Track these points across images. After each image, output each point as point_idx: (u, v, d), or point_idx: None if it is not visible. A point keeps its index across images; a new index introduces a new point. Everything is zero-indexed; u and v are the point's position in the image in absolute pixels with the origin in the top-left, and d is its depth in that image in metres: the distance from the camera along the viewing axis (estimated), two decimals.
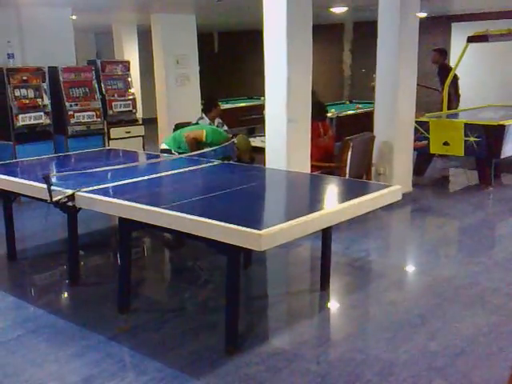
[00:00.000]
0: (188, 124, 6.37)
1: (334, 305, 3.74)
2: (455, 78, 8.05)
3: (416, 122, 6.44)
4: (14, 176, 4.08)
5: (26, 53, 6.80)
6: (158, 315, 3.45)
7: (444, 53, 8.56)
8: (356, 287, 3.93)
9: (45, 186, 3.41)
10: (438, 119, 7.00)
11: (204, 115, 6.24)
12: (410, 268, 4.44)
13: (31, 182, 3.75)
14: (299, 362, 2.90)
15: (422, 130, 6.76)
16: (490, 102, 8.75)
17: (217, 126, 6.23)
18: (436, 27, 10.87)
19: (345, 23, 12.25)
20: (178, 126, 6.67)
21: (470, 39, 7.26)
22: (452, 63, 8.90)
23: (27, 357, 2.98)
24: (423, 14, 9.09)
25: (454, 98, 8.20)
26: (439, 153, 6.99)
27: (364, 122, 6.80)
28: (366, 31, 11.03)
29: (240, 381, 2.73)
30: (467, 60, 7.96)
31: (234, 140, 5.07)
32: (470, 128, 6.42)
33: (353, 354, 2.97)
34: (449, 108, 7.85)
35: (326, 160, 5.52)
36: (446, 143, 6.65)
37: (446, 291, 3.77)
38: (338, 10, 9.05)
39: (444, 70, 8.20)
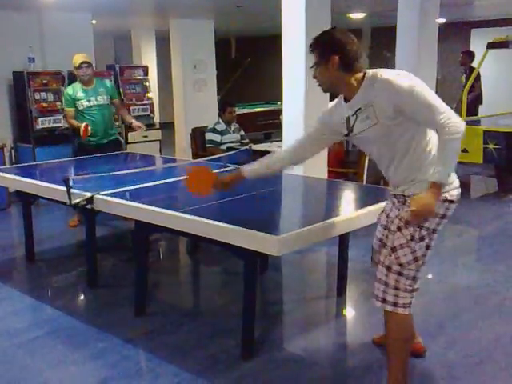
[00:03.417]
0: (205, 128, 6.40)
1: (350, 311, 3.71)
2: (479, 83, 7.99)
3: None
4: (34, 179, 4.13)
5: (46, 57, 6.90)
6: (174, 319, 3.46)
7: (473, 55, 8.48)
8: (373, 294, 3.88)
9: (64, 188, 3.45)
10: None
11: (220, 119, 6.26)
12: (428, 276, 4.39)
13: (51, 185, 3.79)
14: (315, 369, 2.88)
15: None
16: (510, 109, 8.65)
17: (233, 131, 6.26)
18: (456, 33, 10.80)
19: (363, 29, 12.22)
20: (194, 131, 6.71)
21: (490, 45, 7.19)
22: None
23: (44, 358, 3.01)
24: (443, 20, 9.03)
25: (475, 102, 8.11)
26: (457, 160, 6.91)
27: None
28: (384, 37, 11.00)
29: None
30: (487, 66, 7.89)
31: (251, 145, 5.09)
32: (489, 135, 6.35)
33: (369, 361, 2.95)
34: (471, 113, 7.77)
35: (337, 165, 5.50)
36: (464, 150, 6.58)
37: (464, 300, 3.73)
38: (357, 15, 9.03)
39: (471, 72, 8.11)
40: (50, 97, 6.56)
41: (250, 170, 2.88)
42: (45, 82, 6.52)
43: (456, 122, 2.25)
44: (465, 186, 7.42)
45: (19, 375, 2.85)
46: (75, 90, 5.18)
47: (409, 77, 2.31)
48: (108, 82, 5.58)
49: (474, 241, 5.37)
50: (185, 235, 3.24)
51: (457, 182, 2.46)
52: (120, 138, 5.61)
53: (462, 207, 6.50)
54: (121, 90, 7.33)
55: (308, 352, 3.10)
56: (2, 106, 6.61)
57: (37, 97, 6.43)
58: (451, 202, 2.40)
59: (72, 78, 6.75)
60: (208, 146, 6.11)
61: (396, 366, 2.51)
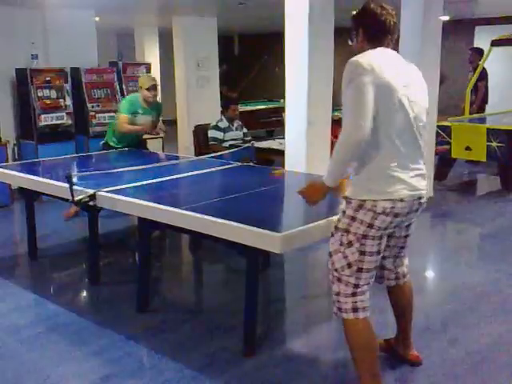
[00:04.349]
0: (208, 125, 6.40)
1: None
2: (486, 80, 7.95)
3: (437, 126, 6.37)
4: (37, 175, 4.13)
5: (49, 54, 6.90)
6: (176, 316, 3.46)
7: (482, 52, 8.40)
8: (375, 291, 3.87)
9: (67, 185, 3.45)
10: (460, 124, 6.91)
11: (222, 116, 6.26)
12: (430, 274, 4.39)
13: (53, 182, 3.80)
14: (317, 367, 2.89)
15: (443, 135, 6.69)
16: None
17: (236, 129, 6.25)
18: (459, 31, 10.77)
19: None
20: (197, 128, 6.71)
21: (494, 43, 7.17)
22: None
23: (47, 354, 3.02)
24: (446, 18, 8.99)
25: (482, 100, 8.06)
26: (461, 158, 6.91)
27: None
28: None
29: (257, 383, 2.72)
30: (491, 64, 7.87)
31: (254, 142, 5.09)
32: (492, 133, 6.33)
33: None
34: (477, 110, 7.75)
35: None
36: (468, 148, 6.57)
37: (467, 298, 3.72)
38: None
39: (480, 70, 8.07)
40: (53, 94, 6.57)
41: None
42: (48, 78, 6.53)
43: (352, 131, 2.17)
44: (468, 183, 7.41)
45: (21, 371, 2.86)
46: (136, 105, 5.19)
47: (367, 68, 2.20)
48: (161, 105, 5.62)
49: (476, 239, 5.36)
50: (187, 232, 3.24)
51: (395, 195, 2.29)
52: (144, 141, 5.67)
53: (464, 205, 6.54)
54: (124, 87, 7.33)
55: (310, 350, 3.09)
56: (5, 103, 6.62)
57: (40, 94, 6.44)
58: (375, 212, 2.28)
59: (75, 75, 6.79)
60: (210, 143, 6.11)
61: (360, 372, 2.46)
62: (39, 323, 3.38)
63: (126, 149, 5.34)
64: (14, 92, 6.69)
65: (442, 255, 4.78)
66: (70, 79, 6.73)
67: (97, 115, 6.82)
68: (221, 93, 9.54)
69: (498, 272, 4.16)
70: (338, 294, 2.42)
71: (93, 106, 6.82)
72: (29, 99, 6.43)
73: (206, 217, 2.83)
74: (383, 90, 2.22)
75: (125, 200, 3.32)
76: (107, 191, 3.44)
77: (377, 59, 2.27)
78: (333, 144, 5.47)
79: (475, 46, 10.23)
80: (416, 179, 2.37)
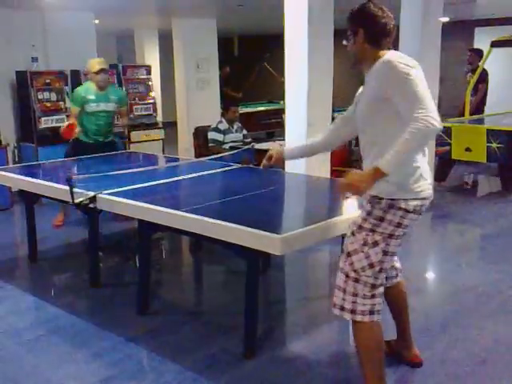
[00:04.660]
0: (208, 127, 6.40)
1: None
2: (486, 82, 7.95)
3: None
4: (37, 178, 4.14)
5: (49, 56, 6.90)
6: (176, 318, 3.46)
7: (481, 53, 8.39)
8: None
9: (67, 187, 3.45)
10: (460, 124, 6.92)
11: (222, 118, 6.26)
12: (431, 275, 4.39)
13: (54, 184, 3.80)
14: (318, 368, 2.88)
15: (443, 136, 6.69)
16: None
17: (236, 131, 6.25)
18: (459, 32, 10.77)
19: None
20: (197, 130, 6.71)
21: (494, 44, 7.17)
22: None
23: (47, 357, 3.01)
24: (446, 19, 9.00)
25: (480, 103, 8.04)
26: (461, 159, 6.90)
27: None
28: None
29: None
30: (490, 65, 7.87)
31: (254, 144, 5.07)
32: (492, 134, 6.33)
33: None
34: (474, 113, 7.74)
35: (340, 164, 5.50)
36: (468, 149, 6.57)
37: (467, 299, 3.72)
38: None
39: (480, 72, 8.07)
40: (53, 96, 6.57)
41: (289, 150, 3.07)
42: (48, 81, 6.53)
43: (430, 119, 2.10)
44: (467, 184, 7.40)
45: (22, 374, 2.86)
46: (88, 91, 5.14)
47: (411, 64, 2.24)
48: (121, 92, 5.57)
49: (477, 240, 5.36)
50: (187, 234, 3.24)
51: (423, 194, 2.32)
52: (116, 140, 5.57)
53: (464, 206, 6.53)
54: (123, 90, 7.33)
55: (310, 351, 3.09)
56: (5, 106, 6.62)
57: (40, 96, 6.44)
58: (407, 211, 2.29)
59: (74, 78, 6.79)
60: (210, 145, 6.11)
61: (367, 376, 2.44)
62: (39, 326, 3.38)
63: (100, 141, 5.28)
64: (14, 95, 6.70)
65: (443, 256, 4.77)
66: (69, 81, 6.72)
67: None
68: (224, 93, 9.54)
69: (498, 273, 4.16)
70: (354, 295, 2.37)
71: None
72: (29, 102, 6.44)
73: (206, 219, 2.83)
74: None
75: (125, 202, 3.31)
76: (107, 193, 3.44)
77: (407, 58, 2.30)
78: None
79: (475, 47, 10.24)
80: (430, 178, 2.42)
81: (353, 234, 2.40)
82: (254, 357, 2.94)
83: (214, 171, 4.28)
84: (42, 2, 6.22)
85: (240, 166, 4.51)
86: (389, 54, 2.32)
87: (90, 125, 5.19)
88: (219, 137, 6.12)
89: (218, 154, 5.20)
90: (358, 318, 2.38)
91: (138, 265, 3.90)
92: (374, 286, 2.37)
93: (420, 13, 5.59)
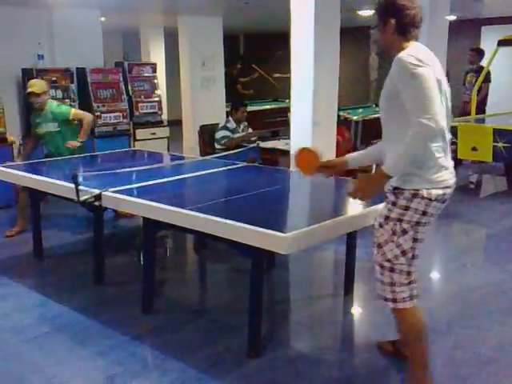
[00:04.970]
0: (213, 126, 6.40)
1: (357, 310, 3.70)
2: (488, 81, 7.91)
3: None
4: (42, 175, 4.14)
5: (55, 54, 6.91)
6: (181, 316, 3.46)
7: (482, 53, 8.35)
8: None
9: (72, 185, 3.46)
10: (466, 124, 6.89)
11: (230, 118, 6.26)
12: (436, 275, 4.37)
13: (59, 182, 3.80)
14: (322, 367, 2.88)
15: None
16: None
17: (242, 130, 6.25)
18: (466, 30, 10.72)
19: (371, 26, 12.16)
20: (202, 128, 6.71)
21: (501, 43, 7.13)
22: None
23: (52, 354, 3.02)
24: (453, 17, 8.96)
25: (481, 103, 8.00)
26: (467, 158, 6.88)
27: None
28: None
29: None
30: (497, 64, 7.82)
31: (259, 142, 5.08)
32: (498, 133, 6.29)
33: (376, 360, 2.94)
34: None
35: None
36: (474, 148, 6.54)
37: (473, 299, 3.70)
38: (366, 12, 8.99)
39: (480, 71, 8.04)
40: (59, 94, 6.58)
41: (352, 156, 2.86)
42: (54, 78, 6.54)
43: (428, 122, 2.16)
44: (473, 184, 7.37)
45: (26, 371, 2.86)
46: (34, 117, 5.23)
47: (424, 62, 2.23)
48: (55, 107, 5.17)
49: (482, 240, 5.34)
50: (192, 233, 3.24)
51: (445, 183, 2.36)
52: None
53: (470, 206, 6.50)
54: (129, 87, 7.34)
55: (314, 351, 3.09)
56: (11, 103, 6.63)
57: None
58: (430, 199, 2.33)
59: (80, 76, 6.81)
60: (223, 141, 6.06)
61: (413, 359, 2.51)
62: (44, 323, 3.39)
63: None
64: (20, 92, 6.71)
65: (448, 256, 4.76)
66: (75, 79, 6.74)
67: (102, 115, 6.83)
68: (235, 91, 9.52)
69: (503, 273, 4.14)
70: (392, 284, 2.42)
71: (98, 106, 6.82)
72: None
73: (211, 217, 2.82)
74: (435, 82, 2.25)
75: (130, 200, 3.32)
76: (113, 191, 3.44)
77: (423, 53, 2.31)
78: (338, 144, 5.48)
79: (481, 46, 10.19)
80: (452, 167, 2.43)
81: (380, 225, 2.43)
82: (258, 356, 2.94)
83: (219, 169, 4.28)
84: (49, 0, 6.23)
85: (245, 164, 4.51)
86: (408, 49, 2.33)
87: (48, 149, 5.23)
88: (229, 134, 6.11)
89: (235, 146, 5.22)
90: (400, 305, 2.44)
91: (142, 263, 3.91)
92: (409, 273, 2.42)
93: (427, 11, 5.56)
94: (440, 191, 2.35)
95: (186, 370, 2.83)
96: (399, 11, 2.38)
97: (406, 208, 2.35)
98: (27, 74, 6.53)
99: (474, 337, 3.17)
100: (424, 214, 2.35)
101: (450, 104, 2.42)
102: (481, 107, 7.98)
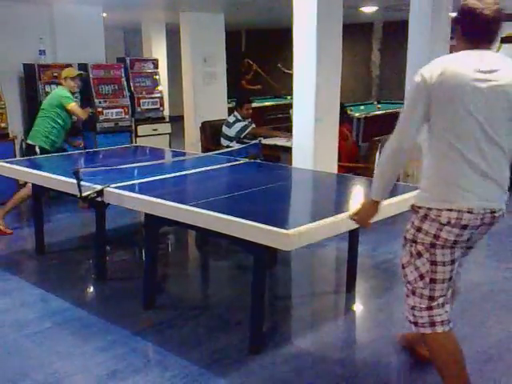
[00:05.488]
0: (216, 122, 6.39)
1: (359, 307, 3.70)
2: None
3: None
4: (44, 171, 4.14)
5: (57, 49, 6.91)
6: (182, 312, 3.46)
7: None
8: (382, 290, 3.88)
9: (74, 181, 3.45)
10: None
11: (236, 113, 6.24)
12: None
13: (61, 177, 3.80)
14: (324, 364, 2.88)
15: None
16: None
17: (245, 125, 6.24)
18: None
19: (374, 22, 12.14)
20: (204, 124, 6.70)
21: (504, 40, 7.10)
22: None
23: (54, 349, 3.03)
24: (455, 14, 8.92)
25: None
26: None
27: (392, 123, 6.71)
28: (395, 31, 10.92)
29: (264, 381, 2.72)
30: None
31: (261, 139, 5.06)
32: None
33: (378, 357, 2.94)
34: None
35: (347, 160, 5.48)
36: None
37: (474, 297, 3.70)
38: (368, 9, 8.97)
39: None
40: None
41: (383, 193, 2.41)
42: (55, 74, 6.49)
43: (391, 141, 2.17)
44: None
45: (29, 366, 2.87)
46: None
47: (425, 72, 2.12)
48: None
49: (485, 237, 5.31)
50: (195, 229, 3.23)
51: (457, 205, 2.13)
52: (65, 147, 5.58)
53: None
54: (131, 83, 7.33)
55: (316, 347, 3.08)
56: (12, 99, 6.62)
57: (47, 89, 6.43)
58: (440, 223, 2.16)
59: (82, 71, 6.78)
60: (247, 131, 6.04)
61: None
62: (46, 318, 3.39)
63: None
64: (22, 87, 6.71)
65: None
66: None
67: (104, 111, 6.82)
68: (241, 87, 9.49)
69: (506, 270, 4.13)
70: (413, 307, 2.33)
71: (100, 102, 6.81)
72: (36, 95, 6.44)
73: (213, 213, 2.82)
74: (441, 96, 2.09)
75: (132, 196, 3.32)
76: (115, 187, 3.44)
77: (441, 64, 2.12)
78: (343, 140, 5.47)
79: None
80: (488, 189, 2.19)
81: (403, 246, 2.36)
82: (260, 352, 2.94)
83: (221, 166, 4.28)
84: None
85: (247, 160, 4.50)
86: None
87: (65, 125, 5.23)
88: (246, 123, 6.10)
89: (261, 133, 5.42)
90: (421, 330, 2.33)
91: (144, 259, 3.91)
92: (431, 298, 2.28)
93: (430, 8, 5.55)
94: (453, 214, 2.13)
95: (188, 365, 2.83)
96: (464, 15, 2.16)
97: (419, 229, 2.24)
98: (28, 70, 6.53)
99: (476, 334, 3.17)
100: (436, 238, 2.19)
101: (499, 117, 2.11)
102: None
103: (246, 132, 6.01)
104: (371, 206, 2.35)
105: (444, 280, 2.27)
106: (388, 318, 3.49)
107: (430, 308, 2.29)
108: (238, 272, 4.29)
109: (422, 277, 2.28)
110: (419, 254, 2.26)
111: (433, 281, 2.26)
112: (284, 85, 9.72)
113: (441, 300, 2.30)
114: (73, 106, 5.16)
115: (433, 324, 2.29)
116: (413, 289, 2.32)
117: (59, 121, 5.16)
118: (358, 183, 3.91)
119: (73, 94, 5.35)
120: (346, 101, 6.20)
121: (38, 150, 5.13)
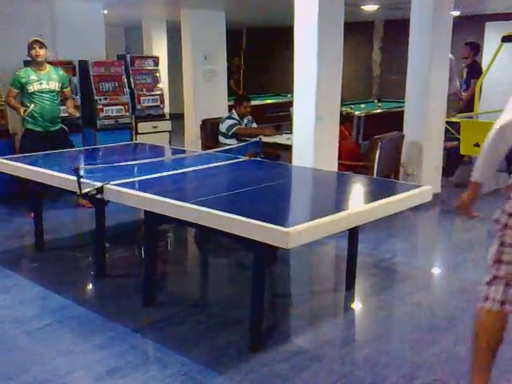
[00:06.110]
0: (216, 119, 6.38)
1: (358, 305, 3.70)
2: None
3: (446, 122, 6.32)
4: (43, 168, 4.13)
5: (57, 46, 6.87)
6: (182, 309, 3.46)
7: (476, 48, 8.25)
8: (382, 288, 3.88)
9: (74, 178, 3.45)
10: (469, 120, 6.86)
11: (234, 112, 6.23)
12: (437, 270, 4.37)
13: (61, 174, 3.79)
14: (323, 362, 2.88)
15: (452, 131, 6.64)
16: None
17: (245, 124, 6.24)
18: (469, 26, 10.67)
19: (375, 21, 12.12)
20: (204, 122, 6.69)
21: (505, 39, 7.10)
22: (484, 63, 8.71)
23: (54, 346, 3.03)
24: (457, 13, 8.92)
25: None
26: (470, 154, 6.86)
27: (393, 121, 6.71)
28: (396, 29, 10.90)
29: (263, 378, 2.72)
30: (500, 60, 7.78)
31: (261, 137, 5.06)
32: None
33: (377, 355, 2.94)
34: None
35: (347, 158, 5.48)
36: (476, 144, 6.51)
37: (474, 295, 3.68)
38: (369, 7, 8.95)
39: (473, 67, 7.97)
40: None
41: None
42: None
43: (500, 119, 2.20)
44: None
45: (28, 363, 2.87)
46: (28, 73, 5.26)
47: None
48: (61, 71, 5.63)
49: (484, 236, 5.32)
50: (194, 226, 3.23)
51: None
52: (64, 127, 5.59)
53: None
54: (131, 80, 7.32)
55: (315, 345, 3.09)
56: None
57: None
58: (509, 214, 2.27)
59: (83, 68, 6.78)
60: (232, 130, 6.02)
61: (472, 357, 2.47)
62: (46, 315, 3.39)
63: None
64: None
65: (449, 251, 4.75)
66: (77, 72, 6.71)
67: (104, 108, 6.80)
68: (229, 86, 9.49)
69: None
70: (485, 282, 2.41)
71: (100, 99, 6.80)
72: None
73: (213, 211, 2.81)
74: None
75: (132, 193, 3.31)
76: (115, 184, 3.43)
77: None
78: (344, 139, 5.47)
79: (485, 42, 10.15)
80: None
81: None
82: (260, 350, 2.94)
83: (220, 163, 4.27)
84: None
85: (247, 158, 4.50)
86: None
87: (35, 107, 5.21)
88: (236, 122, 6.08)
89: (245, 133, 5.23)
90: (479, 303, 2.42)
91: (143, 256, 3.91)
92: (494, 277, 2.36)
93: (431, 6, 5.54)
94: None
95: (187, 363, 2.83)
96: None
97: (503, 211, 2.33)
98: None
99: None
100: (505, 227, 2.30)
101: None
102: (471, 103, 7.88)
103: (232, 131, 6.00)
104: (470, 189, 2.36)
105: (509, 262, 2.33)
106: (387, 316, 3.50)
107: (489, 283, 2.38)
108: (237, 270, 4.29)
109: (493, 255, 2.34)
110: (495, 232, 2.35)
111: (498, 260, 2.34)
112: (285, 83, 9.69)
113: (503, 281, 2.35)
114: (8, 90, 5.21)
115: (486, 299, 2.38)
116: (488, 265, 2.38)
117: (25, 101, 5.25)
118: (358, 181, 3.91)
119: (40, 63, 5.27)
120: (346, 99, 6.20)
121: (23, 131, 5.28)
